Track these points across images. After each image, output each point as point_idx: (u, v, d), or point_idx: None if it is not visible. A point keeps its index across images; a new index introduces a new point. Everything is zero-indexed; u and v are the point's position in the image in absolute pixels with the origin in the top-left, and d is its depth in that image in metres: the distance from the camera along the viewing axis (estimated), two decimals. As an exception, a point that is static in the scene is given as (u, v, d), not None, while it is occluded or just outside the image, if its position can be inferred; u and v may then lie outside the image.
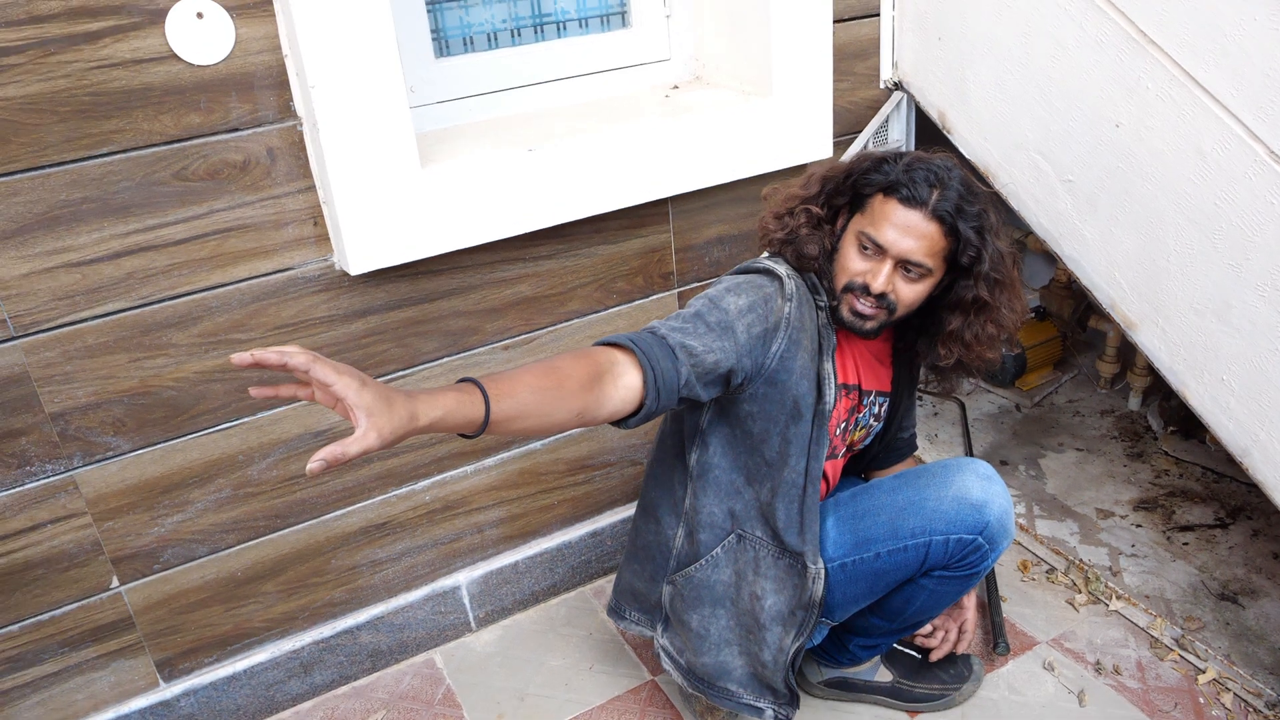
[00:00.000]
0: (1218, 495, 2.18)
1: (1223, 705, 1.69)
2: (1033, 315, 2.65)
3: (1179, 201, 1.56)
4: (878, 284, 1.39)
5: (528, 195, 1.64)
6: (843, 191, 1.45)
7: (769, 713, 1.53)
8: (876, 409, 1.63)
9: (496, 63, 1.81)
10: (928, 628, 1.72)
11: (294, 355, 0.94)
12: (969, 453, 2.38)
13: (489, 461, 1.87)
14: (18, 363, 1.44)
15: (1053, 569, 2.02)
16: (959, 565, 1.47)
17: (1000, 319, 1.46)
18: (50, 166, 1.38)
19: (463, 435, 1.10)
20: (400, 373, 1.72)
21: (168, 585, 1.66)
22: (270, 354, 0.94)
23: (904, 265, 1.39)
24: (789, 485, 1.43)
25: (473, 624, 1.97)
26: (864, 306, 1.43)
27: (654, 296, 1.92)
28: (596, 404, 1.19)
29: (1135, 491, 2.22)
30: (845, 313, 1.45)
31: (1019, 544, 2.10)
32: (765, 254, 1.52)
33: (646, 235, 1.87)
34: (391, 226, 1.54)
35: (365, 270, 1.56)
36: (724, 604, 1.51)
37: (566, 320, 1.85)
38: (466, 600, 1.94)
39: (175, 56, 1.40)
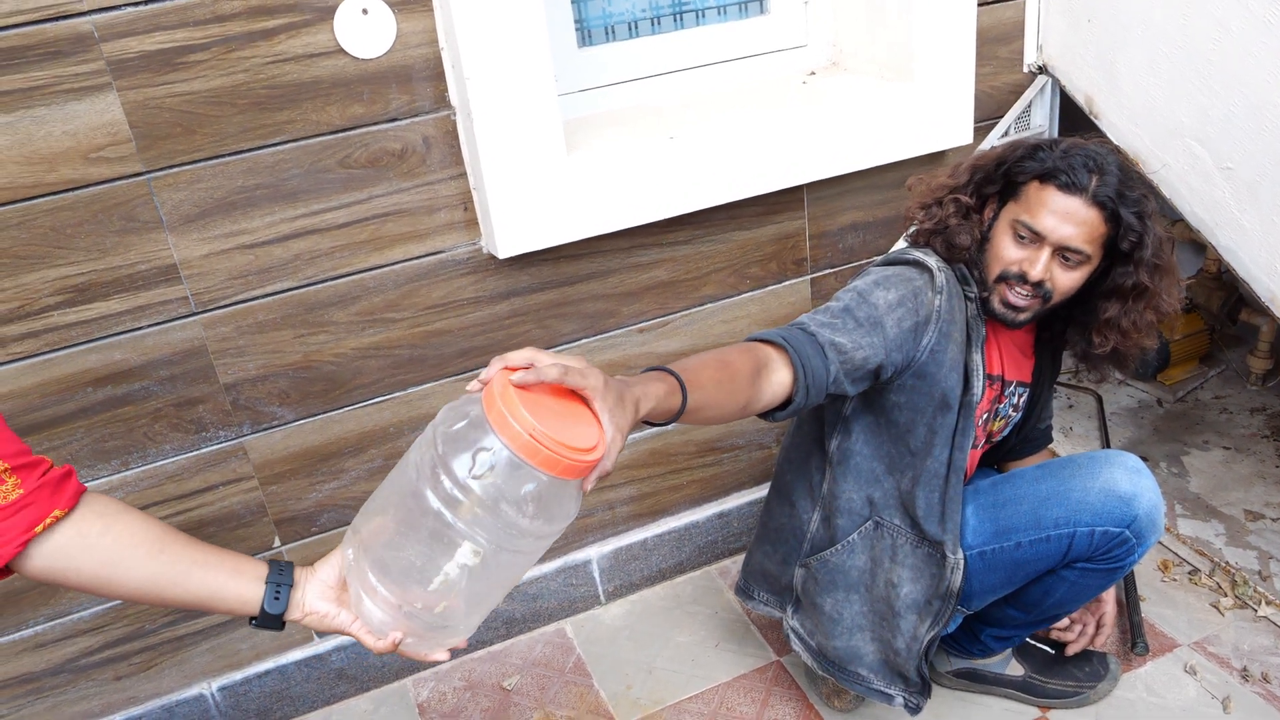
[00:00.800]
0: (1381, 501, 2.06)
1: (1383, 720, 1.62)
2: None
3: (1352, 190, 1.48)
4: (1036, 272, 1.38)
5: (667, 182, 1.67)
6: (994, 180, 1.43)
7: (899, 699, 1.54)
8: (1016, 399, 1.61)
9: (637, 51, 1.85)
10: (1064, 621, 1.69)
11: (546, 370, 0.94)
12: (1106, 447, 2.31)
13: (621, 441, 1.92)
14: (197, 336, 1.56)
15: (1196, 570, 1.95)
16: (1103, 558, 1.44)
17: (1160, 305, 1.43)
18: (229, 155, 1.48)
19: (649, 423, 1.10)
20: (540, 353, 1.78)
21: (323, 547, 1.77)
22: (527, 375, 0.93)
23: (1062, 253, 1.38)
24: (931, 475, 1.43)
25: (602, 597, 2.04)
26: (1018, 296, 1.41)
27: (787, 282, 1.93)
28: (756, 398, 1.22)
29: (1288, 493, 2.12)
30: (996, 303, 1.44)
31: (1160, 543, 2.03)
32: (909, 243, 1.52)
33: (781, 221, 1.88)
34: (538, 212, 1.60)
35: (512, 254, 1.62)
36: (858, 589, 1.52)
37: (700, 305, 1.88)
38: (597, 574, 2.01)
39: (342, 51, 1.49)
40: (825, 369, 1.27)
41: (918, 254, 1.44)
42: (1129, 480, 1.43)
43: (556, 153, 1.59)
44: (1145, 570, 1.97)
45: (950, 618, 1.49)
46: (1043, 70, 1.98)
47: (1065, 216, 1.36)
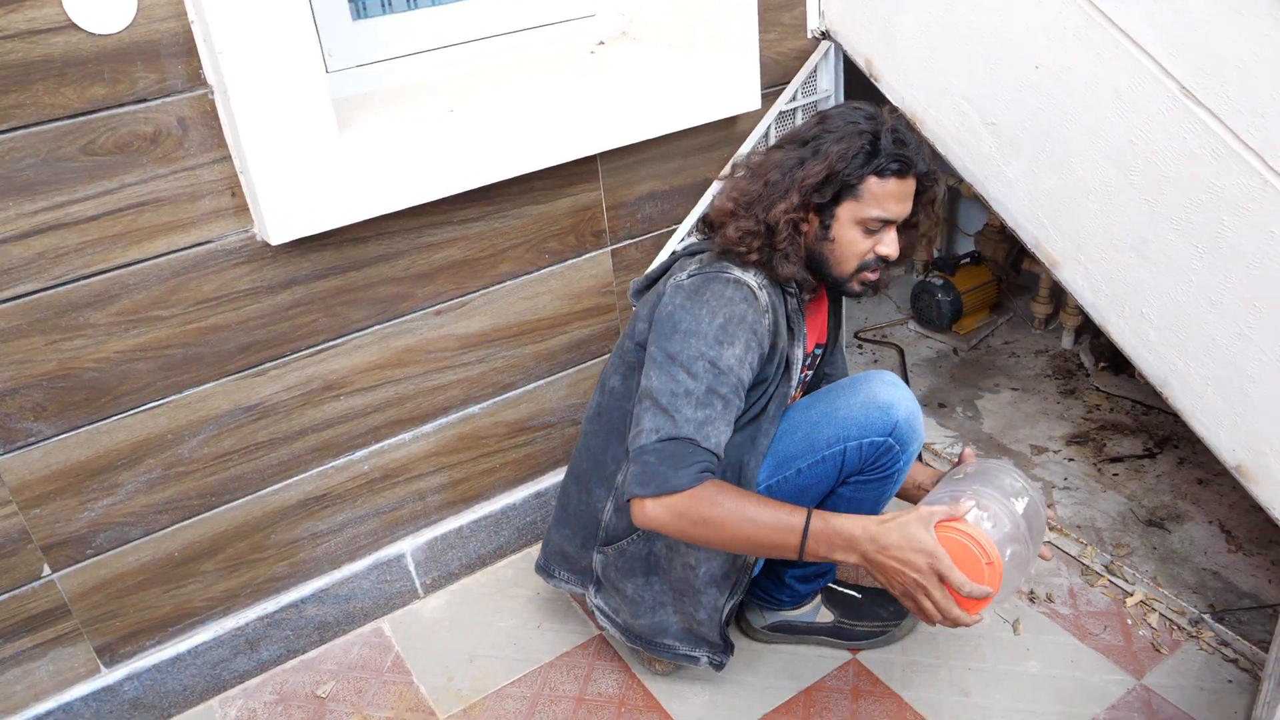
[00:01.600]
0: (1146, 427, 2.24)
1: (1149, 625, 1.76)
2: (968, 260, 2.69)
3: (1096, 140, 1.58)
4: (894, 252, 1.49)
5: (450, 157, 1.61)
6: (827, 190, 1.44)
7: (704, 660, 1.60)
8: (812, 362, 1.66)
9: (417, 23, 1.77)
10: None
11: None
12: (907, 397, 2.42)
13: (427, 428, 1.86)
14: (-74, 350, 1.40)
15: (989, 506, 2.07)
16: (873, 469, 1.51)
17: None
18: (-54, 145, 1.33)
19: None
20: (331, 343, 1.69)
21: (103, 570, 1.63)
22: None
23: (903, 223, 1.51)
24: (734, 459, 1.47)
25: (420, 590, 1.97)
26: (876, 274, 1.52)
27: (587, 255, 1.91)
28: None
29: (1068, 427, 2.28)
30: (855, 286, 1.52)
31: (956, 484, 2.15)
32: (719, 257, 1.50)
33: (576, 194, 1.85)
34: (311, 194, 1.51)
35: (286, 240, 1.52)
36: (656, 573, 1.54)
37: (499, 283, 1.83)
38: (412, 567, 1.94)
39: (74, 26, 1.35)
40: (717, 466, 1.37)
41: (735, 272, 1.43)
42: (886, 391, 1.50)
43: (327, 132, 1.50)
44: (944, 511, 2.07)
45: (747, 586, 1.53)
46: (825, 35, 2.03)
47: (905, 197, 1.47)
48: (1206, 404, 1.57)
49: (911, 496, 1.79)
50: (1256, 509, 1.57)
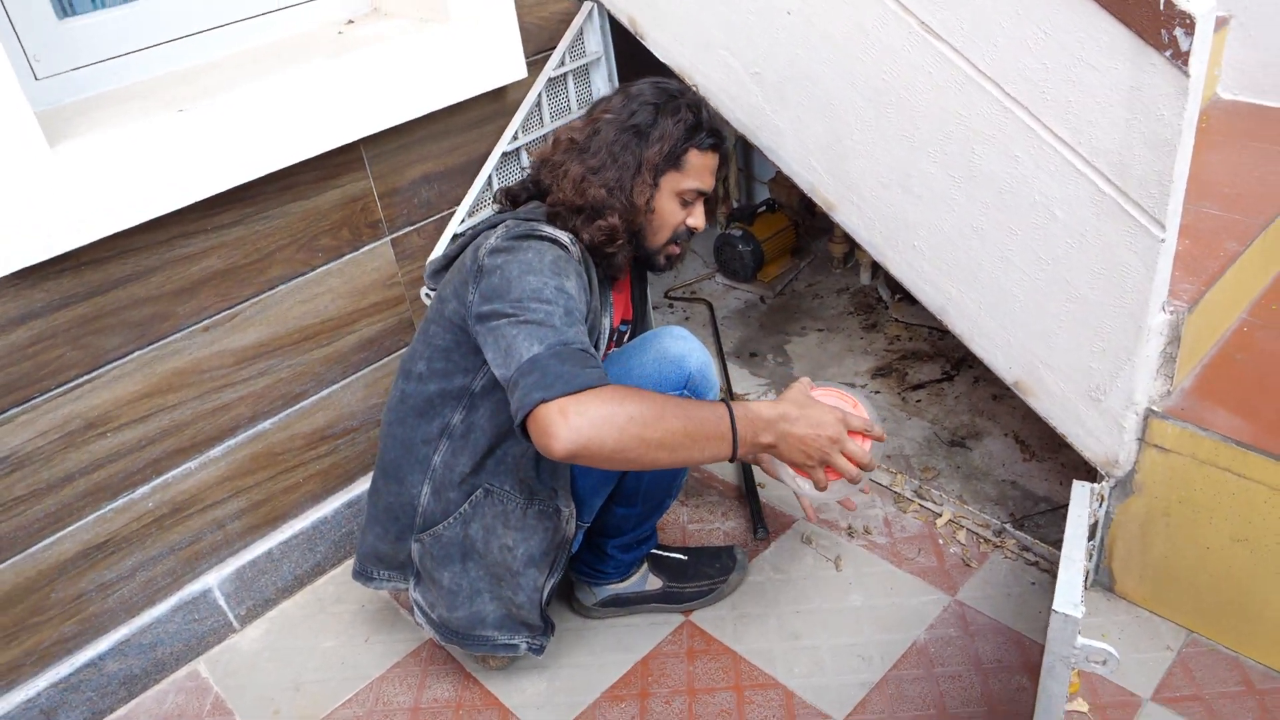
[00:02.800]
0: (943, 351, 2.34)
1: (958, 541, 1.84)
2: (764, 209, 2.72)
3: (853, 81, 1.60)
4: (703, 223, 1.56)
5: (187, 161, 1.48)
6: (666, 163, 1.49)
7: (523, 647, 1.57)
8: (619, 338, 1.65)
9: (138, 16, 1.61)
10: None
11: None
12: (720, 350, 2.44)
13: (215, 452, 1.73)
14: None
15: (805, 448, 2.12)
16: None
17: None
18: None
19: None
20: (84, 377, 1.54)
21: None
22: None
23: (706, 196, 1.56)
24: None
25: (235, 623, 1.86)
26: (679, 249, 1.57)
27: (365, 248, 1.81)
28: None
29: (872, 360, 2.35)
30: (662, 260, 1.58)
31: (772, 430, 2.18)
32: (528, 218, 1.46)
33: (343, 185, 1.75)
34: (24, 220, 1.35)
35: (6, 273, 1.37)
36: (473, 557, 1.49)
37: (271, 289, 1.71)
38: (222, 601, 1.82)
39: None
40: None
41: (549, 230, 1.39)
42: (676, 345, 1.50)
43: (35, 148, 1.34)
44: (763, 459, 2.10)
45: (566, 563, 1.51)
46: (587, -5, 1.98)
47: (715, 168, 1.55)
48: (981, 327, 1.64)
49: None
50: (1044, 420, 1.66)
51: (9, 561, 1.56)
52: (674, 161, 1.49)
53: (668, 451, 1.19)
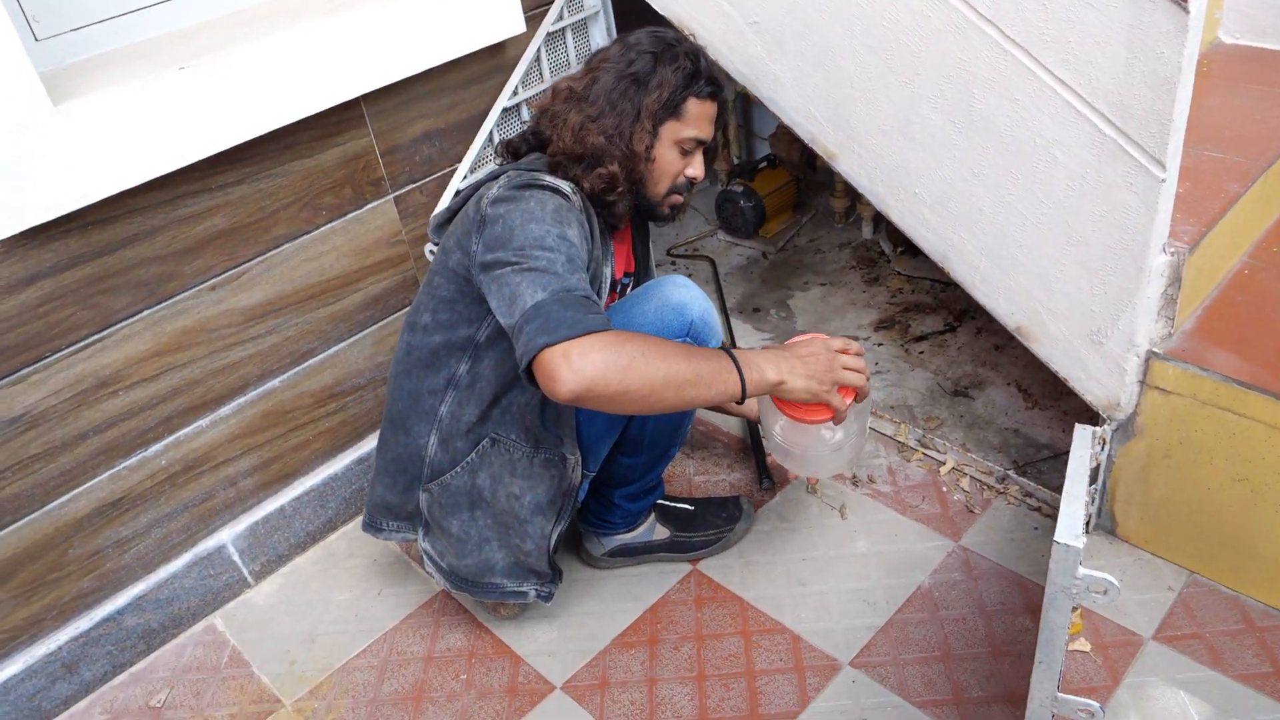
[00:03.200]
0: (945, 303, 2.35)
1: (962, 489, 1.86)
2: (765, 164, 2.72)
3: (851, 28, 1.60)
4: (702, 173, 1.56)
5: (189, 119, 1.49)
6: (665, 112, 1.49)
7: (531, 594, 1.60)
8: (622, 290, 1.66)
9: (133, -25, 1.61)
10: None
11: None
12: (723, 305, 2.45)
13: (225, 410, 1.76)
14: None
15: (809, 400, 2.13)
16: None
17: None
18: None
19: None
20: (95, 336, 1.56)
21: (-127, 619, 1.49)
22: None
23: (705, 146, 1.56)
24: None
25: (249, 579, 1.89)
26: (683, 196, 1.57)
27: (368, 206, 1.82)
28: None
29: (875, 313, 2.36)
30: (664, 209, 1.57)
31: (776, 383, 2.20)
32: (531, 168, 1.47)
33: (345, 143, 1.75)
34: (29, 180, 1.36)
35: (11, 233, 1.38)
36: (481, 506, 1.51)
37: (276, 247, 1.72)
38: (236, 556, 1.85)
39: None
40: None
41: (550, 180, 1.40)
42: (678, 293, 1.51)
43: (38, 107, 1.35)
44: (767, 411, 2.12)
45: (574, 511, 1.53)
46: (585, -51, 1.97)
47: (713, 118, 1.54)
48: (983, 273, 1.64)
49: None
50: (1046, 365, 1.67)
51: (27, 519, 1.59)
52: (673, 110, 1.49)
53: (674, 390, 1.20)
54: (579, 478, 1.53)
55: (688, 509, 1.80)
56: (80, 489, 1.63)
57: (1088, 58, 1.34)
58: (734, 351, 1.31)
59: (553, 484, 1.51)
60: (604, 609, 1.73)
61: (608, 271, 1.52)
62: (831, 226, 2.73)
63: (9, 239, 1.42)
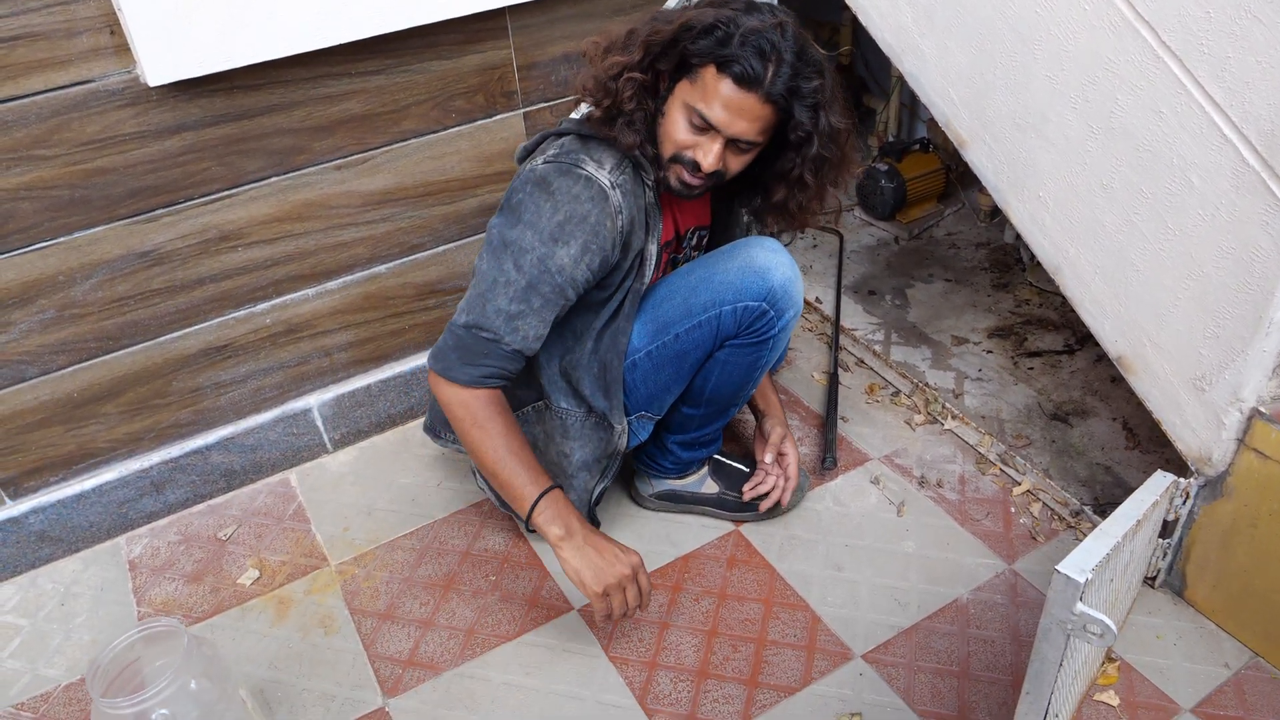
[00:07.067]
0: (1071, 324, 2.22)
1: (1030, 514, 1.77)
2: (918, 147, 2.62)
3: (1004, 10, 1.51)
4: (709, 163, 1.37)
5: (338, 3, 1.57)
6: (668, 57, 1.35)
7: None
8: (695, 241, 1.64)
9: None
10: (758, 477, 1.74)
11: None
12: (839, 284, 2.40)
13: (331, 285, 1.87)
14: None
15: (898, 392, 2.07)
16: (748, 333, 1.50)
17: (825, 195, 1.48)
18: None
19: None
20: (225, 192, 1.68)
21: (1, 406, 1.68)
22: None
23: (735, 143, 1.37)
24: (590, 356, 1.51)
25: (328, 445, 2.02)
26: (692, 179, 1.41)
27: (497, 117, 1.87)
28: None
29: (993, 320, 2.26)
30: (673, 180, 1.43)
31: (869, 368, 2.15)
32: (577, 132, 1.45)
33: (485, 51, 1.80)
34: (190, 35, 1.48)
35: (165, 82, 1.50)
36: (535, 450, 1.57)
37: (403, 140, 1.80)
38: (320, 422, 1.98)
39: None
40: (515, 363, 1.43)
41: (589, 168, 1.38)
42: (764, 256, 1.48)
43: (197, -32, 1.46)
44: (853, 393, 2.08)
45: (617, 470, 1.63)
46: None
47: (739, 111, 1.32)
48: (1094, 293, 1.55)
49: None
50: (1143, 403, 1.56)
51: (140, 345, 1.74)
52: (689, 69, 1.35)
53: (484, 470, 1.47)
54: (624, 443, 1.59)
55: (743, 469, 1.80)
56: (191, 329, 1.77)
57: (1245, 78, 1.23)
58: (552, 494, 1.43)
59: (600, 446, 1.58)
60: (640, 545, 1.76)
61: (653, 247, 1.48)
62: (974, 224, 2.61)
63: (163, 86, 1.54)
